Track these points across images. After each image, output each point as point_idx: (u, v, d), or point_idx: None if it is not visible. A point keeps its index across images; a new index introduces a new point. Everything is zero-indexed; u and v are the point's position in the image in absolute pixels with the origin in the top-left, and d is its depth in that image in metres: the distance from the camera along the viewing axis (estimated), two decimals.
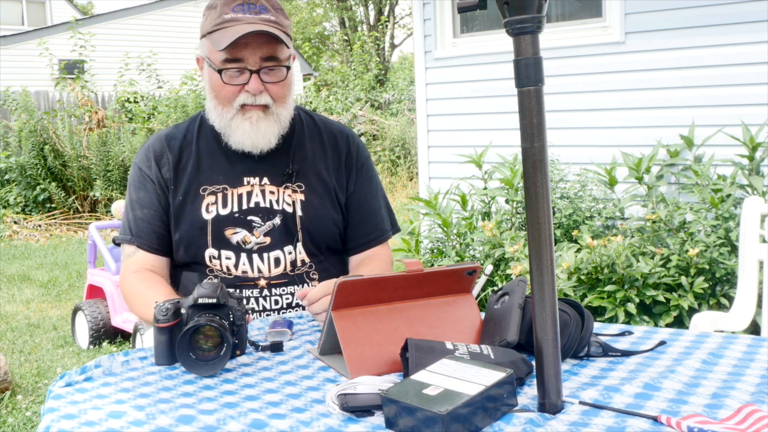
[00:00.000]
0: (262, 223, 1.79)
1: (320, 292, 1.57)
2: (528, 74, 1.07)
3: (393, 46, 26.01)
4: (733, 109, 4.30)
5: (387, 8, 25.43)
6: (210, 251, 1.79)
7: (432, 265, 4.56)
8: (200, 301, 1.35)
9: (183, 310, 1.37)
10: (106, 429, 1.09)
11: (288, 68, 1.78)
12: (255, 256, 1.78)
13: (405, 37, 28.42)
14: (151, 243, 1.82)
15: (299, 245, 1.81)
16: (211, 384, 1.27)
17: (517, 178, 4.42)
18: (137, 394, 1.22)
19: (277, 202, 1.81)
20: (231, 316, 1.37)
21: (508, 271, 3.80)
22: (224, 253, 1.78)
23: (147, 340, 3.78)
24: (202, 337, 1.31)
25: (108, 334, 4.47)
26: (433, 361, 1.17)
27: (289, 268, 1.81)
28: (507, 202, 4.58)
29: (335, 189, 1.88)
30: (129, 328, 4.25)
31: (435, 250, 4.75)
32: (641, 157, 4.28)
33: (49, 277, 6.54)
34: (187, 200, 1.80)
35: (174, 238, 1.82)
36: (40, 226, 8.91)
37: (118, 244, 1.89)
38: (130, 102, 11.42)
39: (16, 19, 19.00)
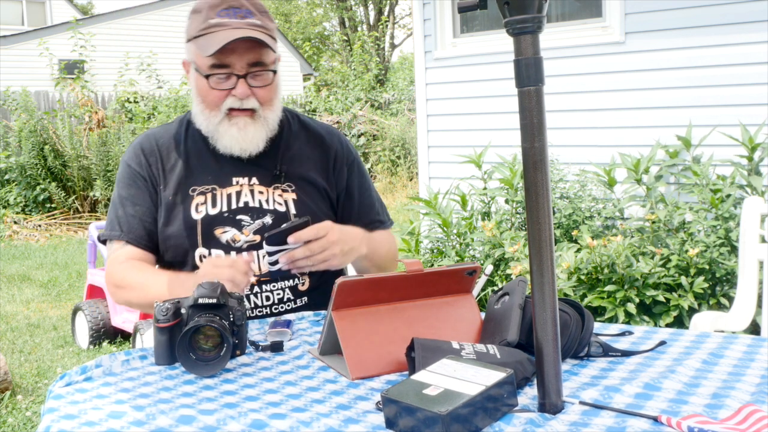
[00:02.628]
0: (252, 222, 1.79)
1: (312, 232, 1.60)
2: (528, 74, 1.07)
3: (393, 46, 26.03)
4: (732, 109, 4.30)
5: (387, 8, 25.44)
6: (200, 250, 1.78)
7: (432, 265, 4.56)
8: (200, 301, 1.35)
9: (183, 310, 1.38)
10: (106, 429, 1.09)
11: (274, 72, 1.78)
12: (245, 255, 1.78)
13: (405, 37, 28.44)
14: (141, 239, 1.81)
15: None
16: (211, 384, 1.27)
17: (517, 178, 4.42)
18: (137, 394, 1.22)
19: (267, 201, 1.81)
20: (231, 316, 1.37)
21: (508, 271, 3.80)
22: (214, 252, 1.78)
23: (147, 340, 3.78)
24: (202, 337, 1.31)
25: (108, 334, 4.47)
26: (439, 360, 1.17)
27: None
28: (507, 202, 4.58)
29: (326, 189, 1.89)
30: (129, 328, 4.25)
31: (435, 250, 4.75)
32: (640, 158, 4.28)
33: (49, 277, 6.54)
34: (177, 201, 1.81)
35: (161, 237, 1.82)
36: (40, 226, 8.91)
37: (104, 242, 1.89)
38: (130, 102, 11.42)
39: (16, 19, 19.02)
